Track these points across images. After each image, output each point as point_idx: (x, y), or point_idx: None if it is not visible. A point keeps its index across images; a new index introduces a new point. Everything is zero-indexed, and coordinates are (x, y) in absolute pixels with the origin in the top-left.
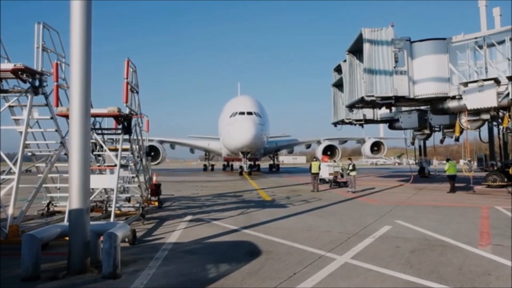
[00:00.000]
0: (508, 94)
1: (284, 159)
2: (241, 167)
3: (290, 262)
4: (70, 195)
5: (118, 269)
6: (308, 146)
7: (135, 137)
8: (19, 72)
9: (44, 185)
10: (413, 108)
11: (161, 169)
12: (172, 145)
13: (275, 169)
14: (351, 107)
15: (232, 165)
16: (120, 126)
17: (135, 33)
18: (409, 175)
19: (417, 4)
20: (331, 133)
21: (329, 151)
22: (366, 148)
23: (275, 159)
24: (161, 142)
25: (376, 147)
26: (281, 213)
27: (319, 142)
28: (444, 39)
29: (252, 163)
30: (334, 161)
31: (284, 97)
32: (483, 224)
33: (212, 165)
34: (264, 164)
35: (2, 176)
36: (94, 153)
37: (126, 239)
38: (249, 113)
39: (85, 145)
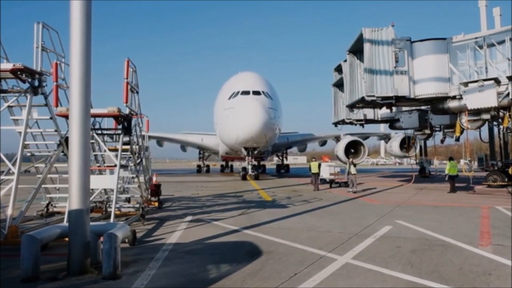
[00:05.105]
0: (508, 94)
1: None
2: (244, 168)
3: (291, 263)
4: (70, 196)
5: (118, 270)
6: (323, 143)
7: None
8: (18, 72)
9: (43, 186)
10: (414, 108)
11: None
12: (160, 141)
13: (283, 170)
14: (351, 107)
15: (231, 165)
16: (120, 126)
17: (135, 33)
18: (410, 175)
19: (417, 4)
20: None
21: (352, 148)
22: (394, 145)
23: (284, 158)
24: None
25: (406, 144)
26: (281, 213)
27: (337, 139)
28: (444, 39)
29: (256, 163)
30: (353, 163)
31: (285, 97)
32: (483, 224)
33: (208, 166)
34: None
35: (1, 177)
36: (94, 153)
37: (126, 240)
38: (256, 93)
39: (85, 145)
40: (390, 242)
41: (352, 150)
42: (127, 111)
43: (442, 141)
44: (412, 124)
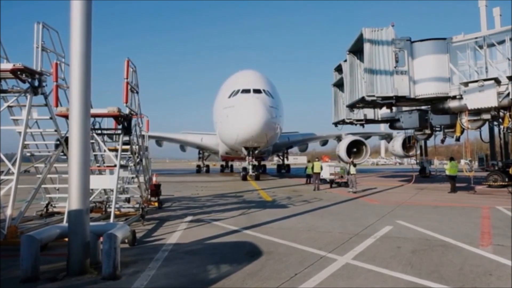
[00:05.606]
0: (508, 94)
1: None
2: (244, 169)
3: (291, 263)
4: (69, 196)
5: (118, 270)
6: (324, 143)
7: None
8: (18, 72)
9: (43, 186)
10: (414, 108)
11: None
12: (159, 141)
13: (284, 170)
14: (351, 107)
15: (231, 165)
16: (120, 126)
17: (135, 33)
18: (410, 175)
19: (417, 4)
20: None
21: (354, 147)
22: (396, 145)
23: (285, 158)
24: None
25: (408, 143)
26: (282, 214)
27: (339, 138)
28: (445, 39)
29: (256, 163)
30: (353, 163)
31: (285, 97)
32: (484, 224)
33: (207, 166)
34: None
35: (1, 177)
36: (94, 153)
37: (126, 240)
38: (257, 91)
39: (85, 145)
40: (390, 242)
41: (355, 150)
42: (127, 111)
43: (442, 141)
44: (412, 124)
